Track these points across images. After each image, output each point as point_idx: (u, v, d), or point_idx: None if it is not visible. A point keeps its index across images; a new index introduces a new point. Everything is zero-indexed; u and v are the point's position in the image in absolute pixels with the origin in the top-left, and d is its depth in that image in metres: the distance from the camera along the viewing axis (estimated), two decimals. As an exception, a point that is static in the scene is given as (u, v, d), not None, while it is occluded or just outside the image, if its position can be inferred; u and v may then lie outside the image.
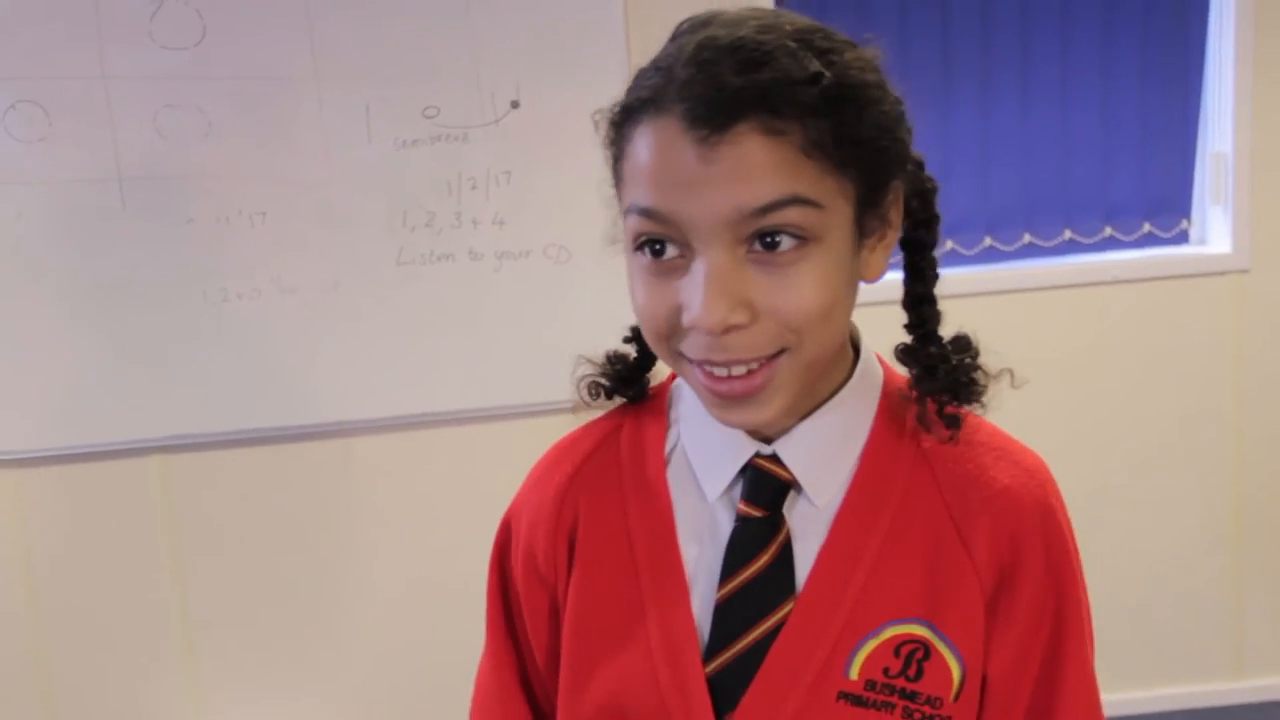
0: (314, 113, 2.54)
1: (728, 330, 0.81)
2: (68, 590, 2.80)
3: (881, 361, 0.99)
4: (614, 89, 2.27)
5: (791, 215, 0.80)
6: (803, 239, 0.82)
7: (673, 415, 1.01)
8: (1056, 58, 2.72)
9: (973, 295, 2.70)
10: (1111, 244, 2.79)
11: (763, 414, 0.87)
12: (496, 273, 2.64)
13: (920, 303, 0.95)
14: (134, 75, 2.47)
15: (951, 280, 3.14)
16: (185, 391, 2.63)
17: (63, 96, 2.47)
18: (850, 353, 0.95)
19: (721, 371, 0.84)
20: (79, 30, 2.45)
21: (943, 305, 0.97)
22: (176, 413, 2.64)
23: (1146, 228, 2.78)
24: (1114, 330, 2.79)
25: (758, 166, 0.80)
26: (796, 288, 0.82)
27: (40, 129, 2.46)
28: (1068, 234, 2.77)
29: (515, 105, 2.60)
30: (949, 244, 2.74)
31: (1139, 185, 2.77)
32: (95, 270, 2.57)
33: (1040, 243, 2.78)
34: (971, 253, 2.76)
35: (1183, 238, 2.80)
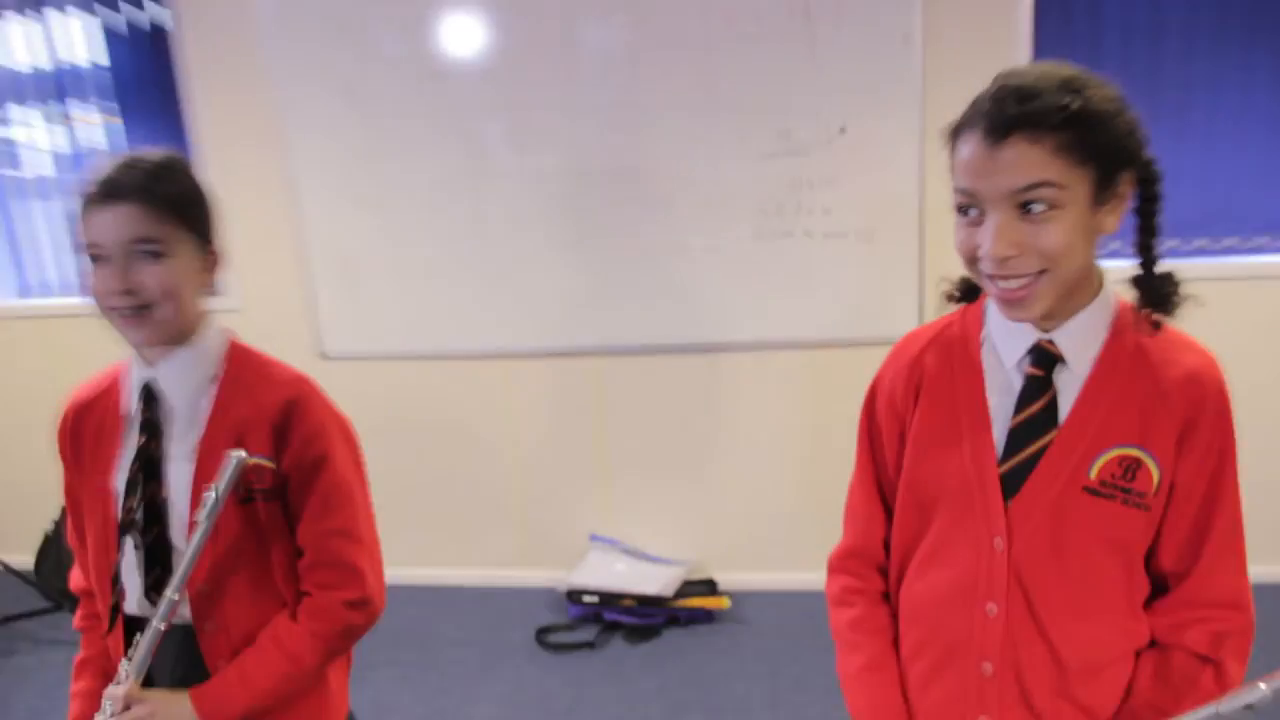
0: (706, 133, 3.42)
1: (1005, 260, 1.16)
2: (537, 444, 3.82)
3: (1118, 295, 1.29)
4: (912, 120, 3.20)
5: (1043, 192, 1.13)
6: (1051, 206, 1.13)
7: (985, 318, 1.34)
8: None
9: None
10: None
11: (1030, 313, 1.21)
12: (822, 247, 3.45)
13: (1144, 249, 1.26)
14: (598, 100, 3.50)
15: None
16: (619, 313, 3.58)
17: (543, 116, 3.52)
18: (1097, 283, 1.26)
19: (1004, 284, 1.19)
20: (553, 67, 3.48)
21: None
22: (612, 327, 3.60)
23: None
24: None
25: (1021, 162, 1.12)
26: (1048, 234, 1.14)
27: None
28: None
29: (843, 131, 3.34)
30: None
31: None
32: (574, 232, 3.54)
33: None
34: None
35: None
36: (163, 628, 1.45)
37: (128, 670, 1.47)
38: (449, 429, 3.94)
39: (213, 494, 1.41)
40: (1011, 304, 1.20)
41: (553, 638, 3.65)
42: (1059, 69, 1.17)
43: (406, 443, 3.94)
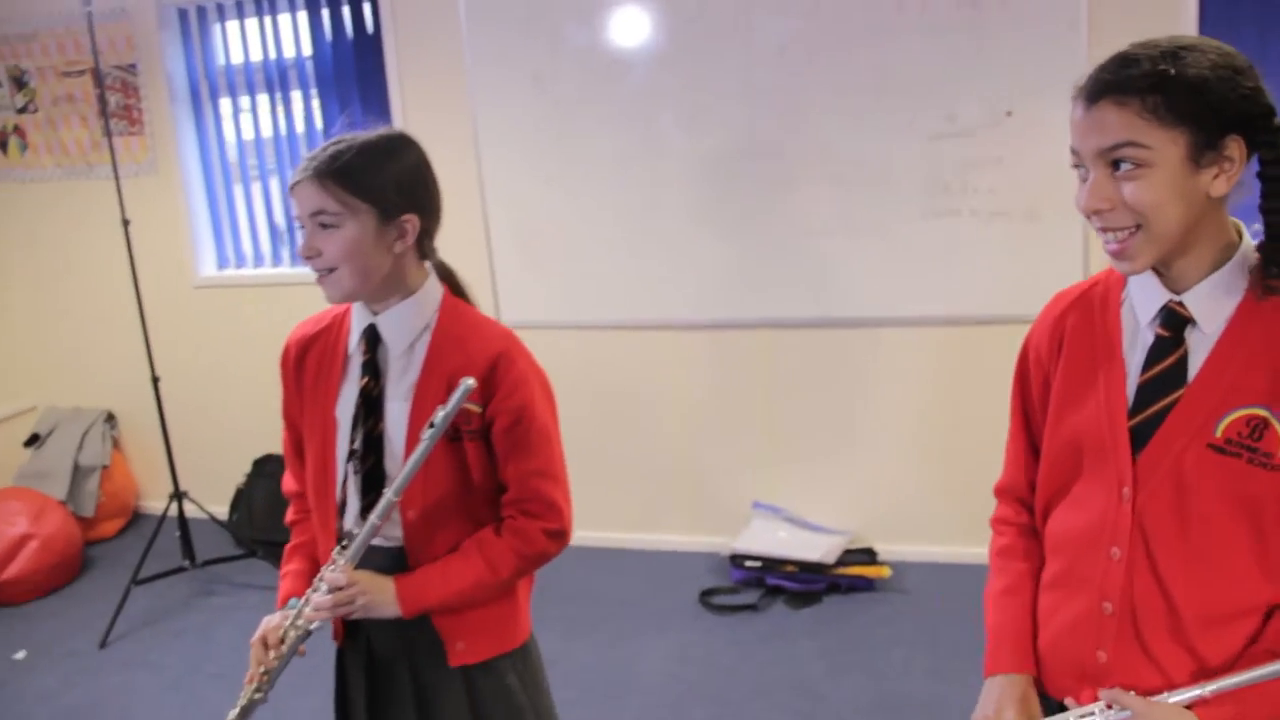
0: (875, 118, 3.61)
1: (1098, 212, 1.26)
2: (703, 414, 4.01)
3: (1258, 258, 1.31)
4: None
5: (1127, 151, 1.22)
6: (1139, 165, 1.22)
7: (1127, 280, 1.41)
8: None
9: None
10: None
11: (1132, 266, 1.29)
12: (988, 225, 3.59)
13: (1268, 212, 1.29)
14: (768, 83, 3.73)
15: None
16: (787, 288, 3.77)
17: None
18: (1235, 243, 1.31)
19: (1105, 238, 1.29)
20: (727, 54, 3.73)
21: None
22: (779, 301, 3.79)
23: None
24: None
25: (1108, 123, 1.22)
26: (1135, 191, 1.23)
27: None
28: None
29: (1009, 114, 3.49)
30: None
31: None
32: (744, 211, 3.76)
33: None
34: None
35: None
36: (379, 523, 1.63)
37: (345, 558, 1.66)
38: (619, 397, 4.13)
39: (440, 412, 1.59)
40: (1114, 257, 1.29)
41: (717, 599, 3.78)
42: (1179, 39, 1.24)
43: (578, 410, 3.94)
